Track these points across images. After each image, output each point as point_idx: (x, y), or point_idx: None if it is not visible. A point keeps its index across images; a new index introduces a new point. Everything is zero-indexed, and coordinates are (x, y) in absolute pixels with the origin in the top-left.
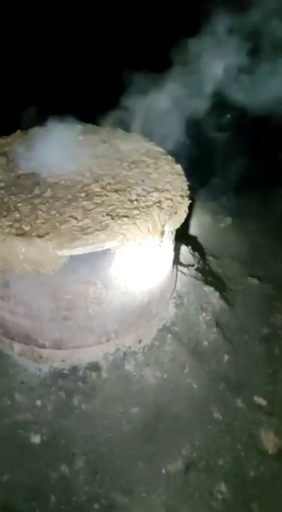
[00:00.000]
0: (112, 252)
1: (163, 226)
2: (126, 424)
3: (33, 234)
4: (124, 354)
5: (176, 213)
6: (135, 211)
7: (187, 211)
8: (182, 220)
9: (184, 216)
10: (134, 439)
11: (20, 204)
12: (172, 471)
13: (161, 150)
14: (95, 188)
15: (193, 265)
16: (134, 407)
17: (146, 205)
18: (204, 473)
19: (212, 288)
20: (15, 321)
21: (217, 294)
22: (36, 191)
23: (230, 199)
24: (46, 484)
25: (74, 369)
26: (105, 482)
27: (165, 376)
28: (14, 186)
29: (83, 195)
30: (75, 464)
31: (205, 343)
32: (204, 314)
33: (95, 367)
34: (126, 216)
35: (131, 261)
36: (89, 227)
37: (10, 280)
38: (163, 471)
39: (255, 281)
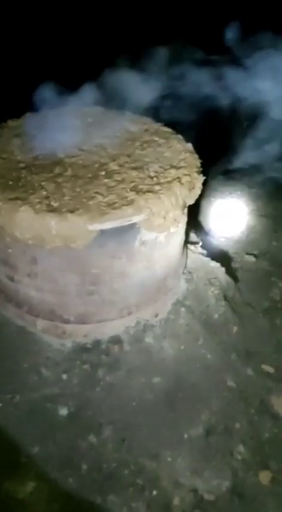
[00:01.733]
0: (137, 226)
1: (184, 200)
2: (149, 393)
3: (64, 210)
4: (144, 327)
5: (193, 188)
6: (157, 187)
7: (201, 187)
8: (197, 195)
9: (199, 191)
10: (157, 407)
11: (44, 183)
12: (194, 436)
13: (170, 130)
14: (113, 167)
15: (199, 243)
16: (156, 377)
17: (167, 181)
18: (223, 437)
19: (218, 264)
20: (41, 297)
21: (223, 269)
22: (57, 170)
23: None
24: (76, 454)
25: (97, 342)
26: (132, 448)
27: (182, 347)
28: (34, 166)
29: (103, 173)
30: (102, 434)
31: (215, 315)
32: (212, 288)
33: (117, 340)
34: (150, 191)
35: (153, 236)
36: (115, 202)
37: (38, 257)
38: (185, 436)
39: (252, 259)
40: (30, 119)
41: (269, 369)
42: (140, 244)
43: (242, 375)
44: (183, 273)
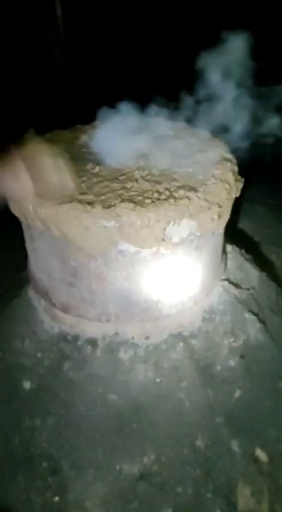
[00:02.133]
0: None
1: (158, 222)
2: (101, 406)
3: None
4: (123, 341)
5: (187, 216)
6: (148, 200)
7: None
8: (190, 228)
9: (190, 226)
10: (103, 423)
11: None
12: (125, 471)
13: (230, 157)
14: (136, 175)
15: (247, 289)
16: (112, 395)
17: (163, 199)
18: (154, 490)
19: (254, 317)
20: (39, 276)
21: (258, 325)
22: (88, 166)
23: None
24: (16, 428)
25: (76, 337)
26: (62, 448)
27: (157, 380)
28: (76, 158)
29: (121, 178)
30: (46, 421)
31: (218, 367)
32: (232, 339)
33: (93, 342)
34: (134, 202)
35: (132, 248)
36: (94, 201)
37: (34, 234)
38: (117, 467)
39: None
40: (109, 121)
41: (263, 457)
42: (117, 252)
43: (221, 444)
44: (204, 310)
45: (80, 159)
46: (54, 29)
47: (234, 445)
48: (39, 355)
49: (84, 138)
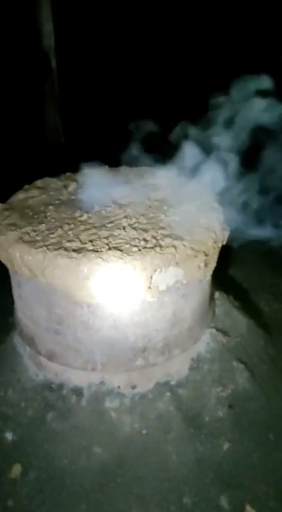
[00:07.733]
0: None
1: (145, 270)
2: (85, 459)
3: (38, 244)
4: (109, 390)
5: (172, 265)
6: (134, 248)
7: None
8: (175, 277)
9: (177, 274)
10: (87, 478)
11: (53, 220)
12: None
13: (217, 206)
14: (124, 223)
15: (235, 336)
16: (97, 447)
17: (146, 247)
18: None
19: (242, 366)
20: (26, 323)
21: (246, 374)
22: (76, 214)
23: None
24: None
25: (61, 386)
26: (44, 504)
27: (144, 431)
28: (65, 206)
29: (109, 225)
30: (27, 475)
31: (207, 419)
32: (220, 388)
33: (78, 391)
34: (121, 250)
35: (122, 296)
36: (81, 249)
37: (21, 281)
38: None
39: None
40: (97, 170)
41: None
42: (104, 300)
43: (209, 500)
44: (192, 358)
45: (69, 206)
46: (49, 82)
47: (223, 501)
48: (22, 404)
49: (73, 185)
